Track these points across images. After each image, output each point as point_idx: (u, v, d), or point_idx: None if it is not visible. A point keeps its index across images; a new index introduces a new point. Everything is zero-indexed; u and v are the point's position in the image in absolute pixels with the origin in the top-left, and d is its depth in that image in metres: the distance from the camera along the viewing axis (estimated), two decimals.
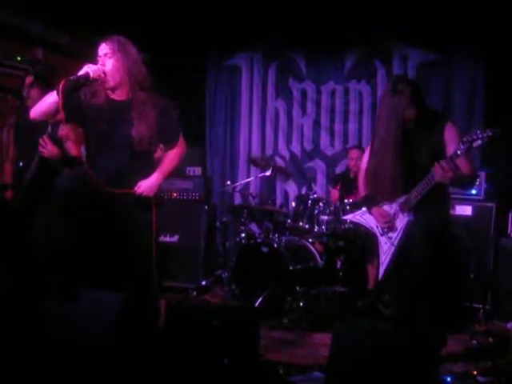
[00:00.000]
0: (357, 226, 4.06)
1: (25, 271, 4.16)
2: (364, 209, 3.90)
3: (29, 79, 4.34)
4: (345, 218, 4.25)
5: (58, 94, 3.23)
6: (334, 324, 3.26)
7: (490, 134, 3.19)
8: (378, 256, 3.78)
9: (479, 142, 3.22)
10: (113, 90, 3.42)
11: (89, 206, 3.38)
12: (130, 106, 3.40)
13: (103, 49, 3.38)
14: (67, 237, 3.44)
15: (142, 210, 3.46)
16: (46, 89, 4.30)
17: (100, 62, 3.35)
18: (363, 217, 3.91)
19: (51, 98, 3.31)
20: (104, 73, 3.32)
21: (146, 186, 3.44)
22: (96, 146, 3.47)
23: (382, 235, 3.73)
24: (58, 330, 3.06)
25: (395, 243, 3.63)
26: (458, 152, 3.25)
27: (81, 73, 3.27)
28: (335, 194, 6.02)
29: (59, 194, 3.41)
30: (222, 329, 3.34)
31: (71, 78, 3.24)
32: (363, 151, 5.94)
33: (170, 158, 3.62)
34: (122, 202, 3.43)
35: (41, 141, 4.04)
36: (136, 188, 3.43)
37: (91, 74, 3.27)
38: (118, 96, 3.45)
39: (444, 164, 3.27)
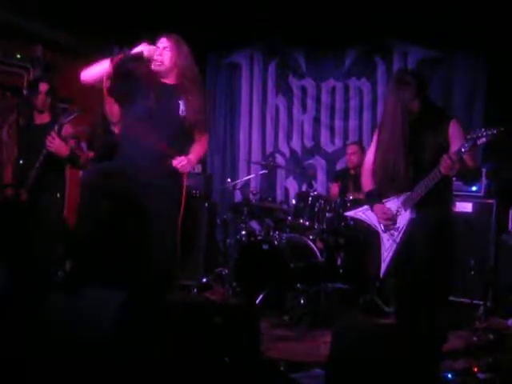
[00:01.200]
0: (358, 222, 4.04)
1: (27, 268, 4.19)
2: (366, 206, 3.89)
3: (44, 86, 4.34)
4: (347, 214, 4.23)
5: (112, 63, 3.41)
6: (335, 321, 3.26)
7: (495, 132, 3.19)
8: (379, 253, 3.78)
9: (484, 139, 3.22)
10: (164, 76, 3.63)
11: (112, 199, 3.50)
12: (178, 90, 3.62)
13: (163, 42, 3.63)
14: (90, 229, 3.50)
15: (171, 201, 3.57)
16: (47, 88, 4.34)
17: (158, 51, 3.57)
18: (365, 213, 3.89)
19: (104, 65, 3.45)
20: (161, 61, 3.56)
21: (186, 158, 3.56)
22: (140, 122, 3.56)
23: (384, 232, 3.72)
24: (59, 327, 3.06)
25: (397, 240, 3.62)
26: (463, 149, 3.24)
27: (136, 50, 3.49)
28: (335, 188, 6.01)
29: (87, 187, 3.47)
30: (223, 326, 3.33)
31: (126, 51, 3.48)
32: (361, 147, 5.97)
33: (201, 145, 3.79)
34: (152, 180, 3.52)
35: (49, 137, 4.10)
36: (174, 161, 3.53)
37: (145, 53, 3.49)
38: (168, 80, 3.66)
39: (451, 155, 3.26)
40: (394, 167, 3.55)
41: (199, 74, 3.77)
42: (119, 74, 3.46)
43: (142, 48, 3.49)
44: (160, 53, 3.58)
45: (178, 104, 3.60)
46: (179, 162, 3.53)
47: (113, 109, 3.99)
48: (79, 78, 3.55)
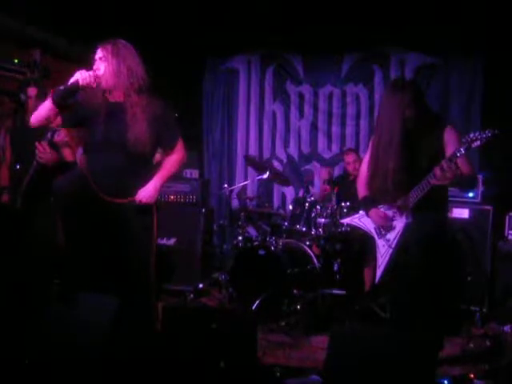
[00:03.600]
0: (354, 229, 4.04)
1: (23, 273, 4.17)
2: (362, 212, 3.89)
3: (33, 91, 4.33)
4: (342, 221, 4.24)
5: (53, 101, 3.30)
6: (331, 327, 3.25)
7: (489, 134, 3.19)
8: (375, 259, 3.78)
9: (478, 142, 3.22)
10: (108, 92, 3.44)
11: (88, 208, 3.38)
12: (125, 108, 3.40)
13: (98, 53, 3.42)
14: (67, 239, 3.47)
15: (143, 215, 3.45)
16: (40, 92, 4.33)
17: (94, 66, 3.38)
18: (361, 220, 3.90)
19: (47, 105, 3.34)
20: (97, 77, 3.34)
21: (146, 194, 3.43)
22: (93, 147, 3.47)
23: (379, 238, 3.72)
24: (55, 333, 3.06)
25: (393, 246, 3.62)
26: (458, 154, 3.24)
27: (71, 81, 3.32)
28: (325, 188, 6.02)
29: (58, 195, 3.43)
30: (219, 332, 3.33)
31: (60, 87, 3.31)
32: (358, 154, 5.98)
33: (170, 163, 3.59)
34: (121, 209, 3.42)
35: (39, 146, 4.04)
36: (136, 197, 3.42)
37: (80, 82, 3.30)
38: (114, 98, 3.46)
39: (444, 164, 3.26)
40: (387, 175, 3.55)
41: (148, 78, 3.47)
42: (62, 108, 3.34)
43: (77, 77, 3.31)
44: (96, 66, 3.37)
45: (127, 126, 3.36)
46: (140, 201, 3.41)
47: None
48: (30, 122, 3.44)
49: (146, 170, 3.52)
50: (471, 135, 3.23)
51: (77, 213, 3.39)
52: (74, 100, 3.41)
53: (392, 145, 3.53)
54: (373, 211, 3.73)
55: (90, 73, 3.33)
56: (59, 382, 2.86)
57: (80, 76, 3.30)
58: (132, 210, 3.42)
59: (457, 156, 3.24)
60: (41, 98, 4.31)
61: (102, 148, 3.41)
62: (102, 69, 3.37)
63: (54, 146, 4.11)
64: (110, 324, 2.96)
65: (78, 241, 3.43)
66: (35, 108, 4.24)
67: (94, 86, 3.34)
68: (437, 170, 3.28)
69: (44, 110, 3.36)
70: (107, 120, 3.39)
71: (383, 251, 3.66)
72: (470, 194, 5.37)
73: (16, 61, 5.19)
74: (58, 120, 3.47)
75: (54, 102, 3.30)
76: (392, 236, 3.65)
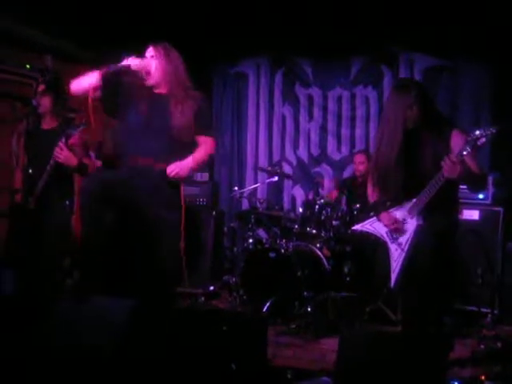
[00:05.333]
0: (366, 234, 4.02)
1: (37, 274, 4.22)
2: (373, 218, 3.88)
3: (41, 87, 4.41)
4: (354, 228, 4.19)
5: (100, 76, 3.48)
6: (342, 329, 3.26)
7: (494, 131, 3.19)
8: (386, 260, 3.77)
9: (483, 139, 3.21)
10: (154, 87, 3.65)
11: (114, 207, 3.49)
12: (169, 100, 3.60)
13: (150, 51, 3.65)
14: (94, 238, 3.53)
15: (171, 209, 3.57)
16: (55, 96, 4.39)
17: (145, 61, 3.60)
18: (372, 225, 3.87)
19: (91, 78, 3.50)
20: (147, 70, 3.56)
21: (177, 165, 3.56)
22: (133, 135, 3.59)
23: (392, 242, 3.70)
24: (67, 334, 3.08)
25: (405, 249, 3.60)
26: (464, 152, 3.24)
27: (123, 63, 3.51)
28: (334, 193, 6.03)
29: (87, 195, 3.49)
30: (230, 334, 3.34)
31: (112, 65, 3.50)
32: (368, 155, 5.97)
33: (203, 149, 3.75)
34: (151, 184, 3.54)
35: (57, 148, 4.14)
36: (168, 168, 3.54)
37: (132, 66, 3.51)
38: (160, 90, 3.66)
39: (452, 157, 3.26)
40: (390, 178, 3.56)
41: (190, 81, 3.73)
42: (107, 86, 3.51)
43: (130, 61, 3.52)
44: (148, 62, 3.59)
45: (171, 113, 3.58)
46: (171, 171, 3.54)
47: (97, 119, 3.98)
48: (70, 89, 3.61)
49: (181, 158, 3.63)
50: (476, 133, 3.23)
51: (102, 213, 3.47)
52: (118, 83, 3.58)
53: (397, 145, 3.53)
54: (383, 215, 3.72)
55: (142, 62, 3.55)
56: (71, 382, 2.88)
57: (132, 61, 3.52)
58: (162, 179, 3.53)
59: (463, 155, 3.24)
60: (56, 102, 4.38)
61: (142, 136, 3.56)
62: (152, 65, 3.58)
63: (69, 148, 4.19)
64: (125, 325, 2.98)
65: (99, 240, 3.50)
66: (48, 112, 4.37)
67: (143, 74, 3.56)
68: (446, 163, 3.27)
69: (88, 80, 3.52)
70: (149, 108, 3.58)
71: (396, 255, 3.64)
72: (480, 196, 5.36)
73: (28, 66, 5.24)
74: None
75: (103, 73, 3.46)
76: (404, 239, 3.63)
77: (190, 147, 3.71)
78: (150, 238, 3.53)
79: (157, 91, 3.65)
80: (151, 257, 3.53)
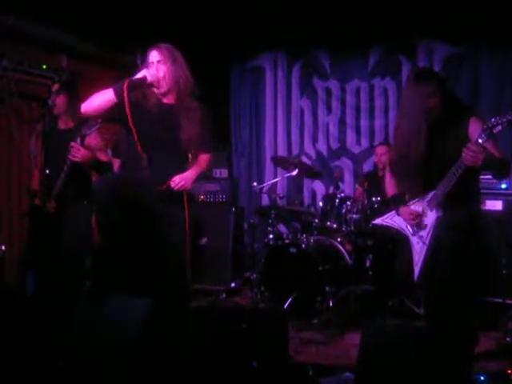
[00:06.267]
0: (387, 228, 3.97)
1: (57, 276, 4.23)
2: (392, 211, 3.83)
3: (55, 86, 4.42)
4: (374, 222, 4.15)
5: (116, 93, 3.35)
6: (364, 324, 3.22)
7: (510, 118, 3.13)
8: (408, 254, 3.72)
9: (499, 127, 3.17)
10: (163, 94, 3.55)
11: (127, 207, 3.45)
12: (178, 111, 3.54)
13: (155, 56, 3.52)
14: (102, 238, 3.54)
15: (177, 208, 3.53)
16: (71, 96, 4.40)
17: (154, 68, 3.48)
18: (393, 219, 3.83)
19: (106, 96, 3.40)
20: (158, 79, 3.47)
21: (181, 178, 3.53)
22: (145, 146, 3.51)
23: (413, 235, 3.66)
24: (86, 334, 3.08)
25: (427, 242, 3.56)
26: (480, 140, 3.19)
27: (138, 76, 3.44)
28: (360, 192, 5.97)
29: (98, 194, 3.46)
30: (251, 331, 3.32)
31: (133, 78, 3.42)
32: (390, 147, 5.89)
33: (204, 159, 3.75)
34: (156, 197, 3.49)
35: (74, 149, 4.10)
36: (171, 180, 3.50)
37: (149, 78, 3.43)
38: (168, 100, 3.58)
39: (472, 146, 3.20)
40: (410, 170, 3.51)
41: (195, 83, 3.61)
42: (121, 102, 3.36)
43: (145, 73, 3.44)
44: (156, 68, 3.48)
45: (180, 127, 3.51)
46: (176, 184, 3.50)
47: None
48: (82, 109, 3.50)
49: (186, 167, 3.64)
50: (492, 120, 3.19)
51: (114, 212, 3.42)
52: (130, 98, 3.45)
53: (415, 136, 3.48)
54: (403, 209, 3.68)
55: (155, 72, 3.46)
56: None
57: (148, 73, 3.43)
58: (166, 198, 3.50)
59: (479, 143, 3.18)
60: (72, 102, 4.38)
61: (153, 147, 3.50)
62: (160, 71, 3.48)
63: (85, 147, 4.18)
64: (143, 325, 2.98)
65: (113, 239, 3.48)
66: (64, 112, 4.37)
67: (157, 85, 3.47)
68: (466, 152, 3.21)
69: (101, 99, 3.41)
70: (161, 121, 3.51)
71: (418, 248, 3.60)
72: (503, 186, 5.27)
73: (44, 66, 5.26)
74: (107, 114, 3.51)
75: (117, 93, 3.35)
76: (425, 232, 3.59)
77: (188, 160, 3.71)
78: (162, 236, 3.51)
79: (166, 100, 3.57)
80: (164, 255, 3.51)
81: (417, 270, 3.59)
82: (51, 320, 3.57)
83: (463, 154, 3.24)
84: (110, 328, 3.03)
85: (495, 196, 5.24)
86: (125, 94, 3.33)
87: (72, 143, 4.10)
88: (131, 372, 2.87)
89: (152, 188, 3.48)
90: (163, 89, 3.51)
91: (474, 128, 3.42)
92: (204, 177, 5.96)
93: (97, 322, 3.09)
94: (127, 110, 3.37)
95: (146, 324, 2.97)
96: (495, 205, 5.22)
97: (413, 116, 3.49)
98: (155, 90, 3.50)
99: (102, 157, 4.41)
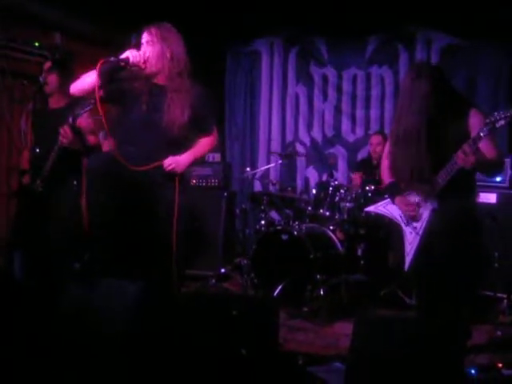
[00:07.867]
0: (380, 217, 3.95)
1: (45, 257, 4.18)
2: (387, 199, 3.80)
3: (47, 64, 4.34)
4: (367, 209, 4.13)
5: (97, 73, 3.28)
6: (356, 313, 3.19)
7: None
8: (401, 244, 3.70)
9: (502, 122, 3.13)
10: (153, 75, 3.48)
11: (115, 185, 3.43)
12: (168, 91, 3.47)
13: (144, 37, 3.47)
14: (92, 219, 3.51)
15: (167, 191, 3.48)
16: (63, 75, 4.31)
17: (142, 49, 3.43)
18: (386, 207, 3.81)
19: (91, 77, 3.35)
20: (145, 60, 3.40)
21: (175, 160, 3.47)
22: (132, 127, 3.48)
23: (406, 225, 3.64)
24: (77, 317, 3.04)
25: (420, 233, 3.55)
26: (481, 134, 3.15)
27: (122, 56, 3.36)
28: (357, 178, 5.93)
29: (90, 174, 3.48)
30: (240, 318, 3.29)
31: (111, 59, 3.33)
32: (385, 137, 5.86)
33: (202, 145, 3.68)
34: (148, 178, 3.44)
35: (61, 130, 4.02)
36: (164, 161, 3.45)
37: (131, 59, 3.35)
38: (158, 81, 3.51)
39: (466, 147, 3.18)
40: (408, 165, 3.48)
41: (190, 64, 3.53)
42: (105, 83, 3.34)
43: (128, 54, 3.36)
44: (144, 49, 3.42)
45: (168, 107, 3.43)
46: (168, 165, 3.45)
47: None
48: (70, 90, 3.49)
49: (178, 152, 3.54)
50: (495, 114, 3.15)
51: (105, 191, 3.42)
52: (118, 77, 3.43)
53: (414, 131, 3.45)
54: (398, 199, 3.65)
55: (141, 53, 3.39)
56: (79, 366, 2.84)
57: (131, 54, 3.36)
58: (156, 179, 3.46)
59: (481, 137, 3.15)
60: (64, 81, 4.29)
61: (138, 127, 3.45)
62: (148, 52, 3.42)
63: (75, 129, 4.08)
64: (133, 308, 2.94)
65: (103, 220, 3.45)
66: (56, 90, 4.29)
67: (143, 66, 3.40)
68: (459, 153, 3.20)
69: (87, 81, 3.39)
70: (148, 101, 3.45)
71: (411, 238, 3.59)
72: (498, 179, 5.25)
73: (37, 44, 5.16)
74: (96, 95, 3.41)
75: (100, 75, 3.29)
76: (419, 223, 3.57)
77: (187, 141, 3.61)
78: (153, 218, 3.46)
79: (155, 81, 3.49)
80: (155, 237, 3.47)
81: (408, 260, 3.58)
82: (39, 302, 3.52)
83: (457, 154, 3.22)
84: (101, 311, 2.99)
85: (489, 189, 5.23)
86: (97, 74, 3.27)
87: (60, 128, 4.02)
88: (119, 356, 2.84)
89: (135, 168, 3.40)
90: (149, 70, 3.44)
91: (475, 120, 3.39)
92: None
93: (85, 305, 3.04)
94: (100, 88, 3.30)
95: (136, 308, 2.93)
96: (489, 198, 5.20)
97: (412, 113, 3.46)
98: (143, 70, 3.43)
99: (92, 139, 4.31)
